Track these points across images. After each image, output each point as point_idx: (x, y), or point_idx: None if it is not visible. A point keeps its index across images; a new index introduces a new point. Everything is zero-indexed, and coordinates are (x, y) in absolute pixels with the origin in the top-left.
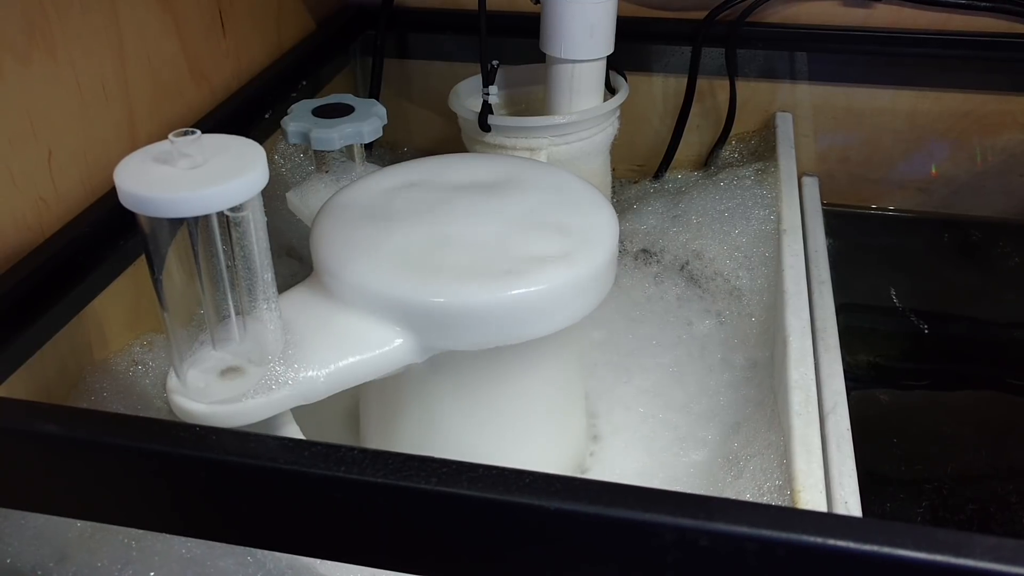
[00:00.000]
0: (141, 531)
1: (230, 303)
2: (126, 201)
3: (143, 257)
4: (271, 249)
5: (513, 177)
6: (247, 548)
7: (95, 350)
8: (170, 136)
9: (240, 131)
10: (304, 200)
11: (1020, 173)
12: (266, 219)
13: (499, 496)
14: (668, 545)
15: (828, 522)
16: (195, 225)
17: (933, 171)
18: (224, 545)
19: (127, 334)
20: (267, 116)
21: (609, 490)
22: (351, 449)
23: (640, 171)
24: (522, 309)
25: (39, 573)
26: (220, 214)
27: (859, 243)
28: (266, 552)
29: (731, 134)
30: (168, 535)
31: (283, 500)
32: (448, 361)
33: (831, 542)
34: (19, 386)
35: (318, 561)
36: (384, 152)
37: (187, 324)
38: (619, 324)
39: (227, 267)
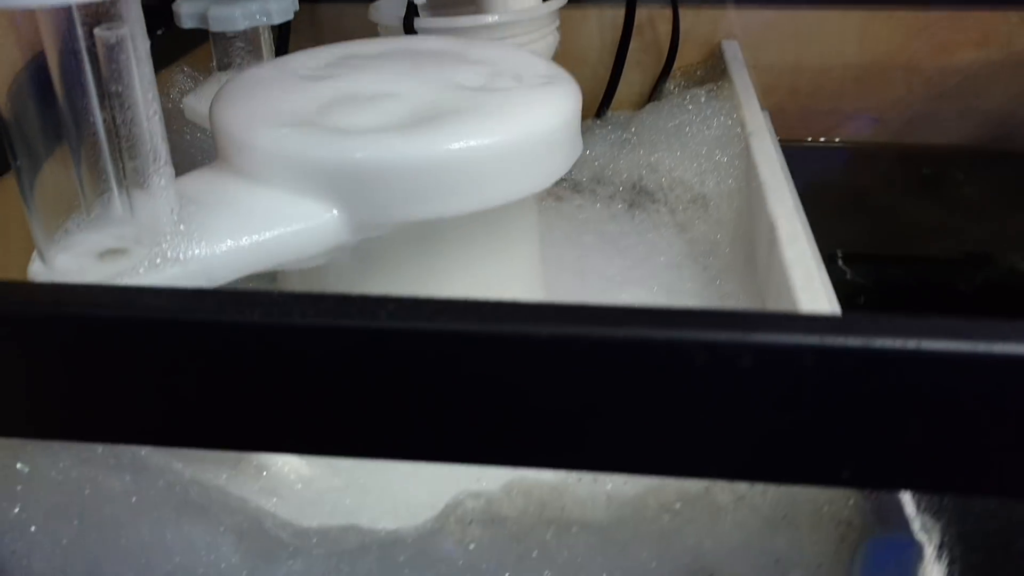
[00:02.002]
0: None
1: (109, 169)
2: None
3: None
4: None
5: (457, 48)
6: (135, 454)
7: None
8: None
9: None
10: (204, 103)
11: (976, 95)
12: (149, 45)
13: (480, 327)
14: (698, 367)
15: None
16: (56, 44)
17: (885, 99)
18: (111, 455)
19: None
20: (160, 33)
21: (614, 313)
22: (268, 294)
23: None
24: (460, 167)
25: None
26: (90, 37)
27: (812, 179)
28: (163, 462)
29: (675, 66)
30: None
31: (179, 369)
32: (377, 253)
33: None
34: None
35: (226, 469)
36: None
37: (55, 198)
38: (571, 251)
39: (103, 119)
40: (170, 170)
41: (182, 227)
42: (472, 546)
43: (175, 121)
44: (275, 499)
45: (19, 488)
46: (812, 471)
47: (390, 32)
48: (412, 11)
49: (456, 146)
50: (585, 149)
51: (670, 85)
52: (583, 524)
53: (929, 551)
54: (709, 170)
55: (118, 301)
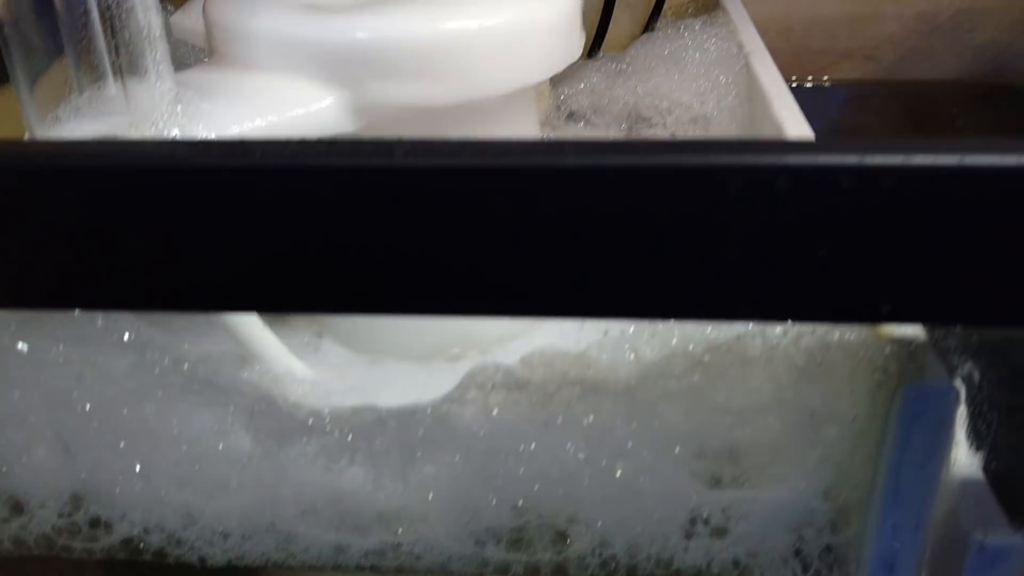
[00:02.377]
0: None
1: (104, 56)
2: None
3: None
4: None
5: None
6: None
7: None
8: None
9: None
10: (192, 19)
11: (969, 29)
12: None
13: (495, 162)
14: (734, 194)
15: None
16: None
17: (878, 37)
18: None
19: None
20: None
21: (643, 145)
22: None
23: None
24: (461, 48)
25: None
26: None
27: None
28: (167, 341)
29: (665, 5)
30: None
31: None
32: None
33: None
34: None
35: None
36: None
37: (48, 87)
38: None
39: (99, 6)
40: (166, 53)
41: (179, 109)
42: (495, 412)
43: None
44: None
45: (19, 371)
46: (851, 307)
47: None
48: None
49: (456, 25)
50: (579, 82)
51: (661, 25)
52: (609, 388)
53: (966, 396)
54: (708, 90)
55: (121, 152)
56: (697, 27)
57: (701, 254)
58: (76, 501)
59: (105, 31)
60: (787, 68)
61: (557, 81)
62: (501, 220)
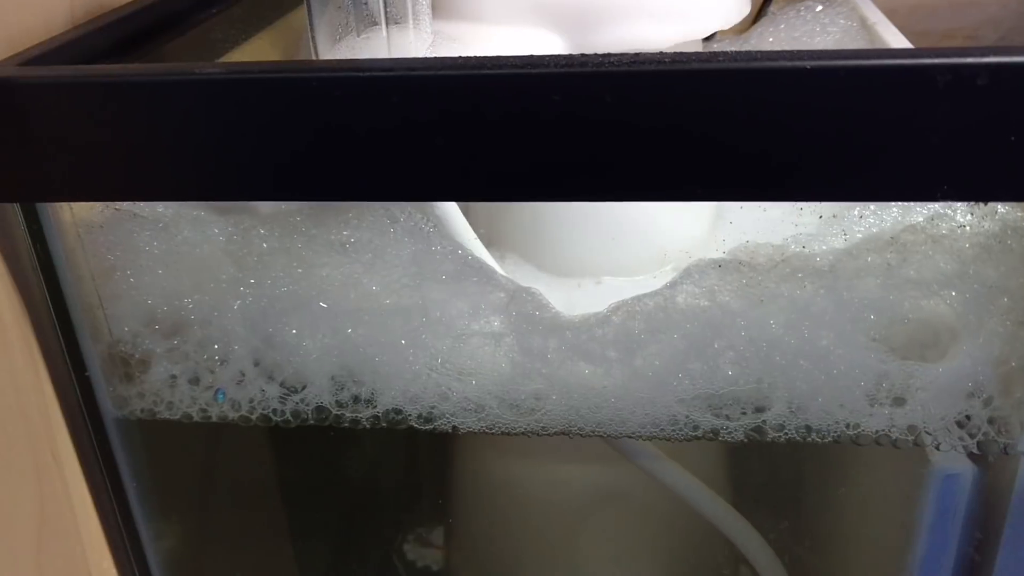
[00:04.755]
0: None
1: (379, 6)
2: None
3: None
4: None
5: None
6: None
7: None
8: None
9: None
10: None
11: None
12: None
13: (743, 64)
14: (941, 90)
15: None
16: None
17: (979, 18)
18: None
19: None
20: None
21: (859, 52)
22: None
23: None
24: None
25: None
26: None
27: None
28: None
29: None
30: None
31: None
32: None
33: None
34: None
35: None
36: None
37: (332, 31)
38: None
39: None
40: (428, 11)
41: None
42: (713, 290)
43: None
44: None
45: (316, 259)
46: None
47: None
48: None
49: None
50: None
51: (778, 7)
52: (812, 267)
53: None
54: None
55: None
56: (818, 8)
57: (912, 141)
58: (347, 375)
59: None
60: None
61: None
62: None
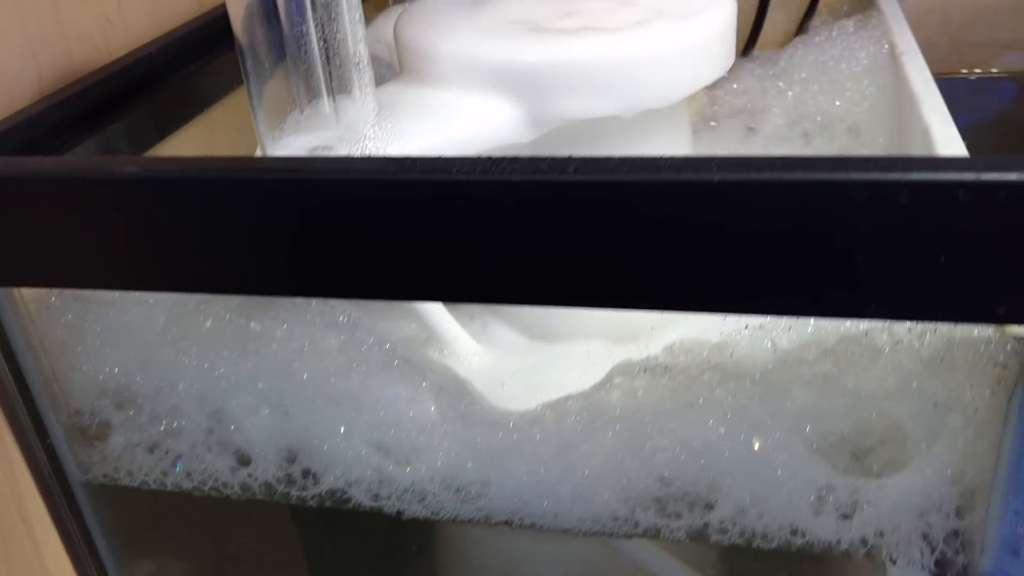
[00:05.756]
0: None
1: (320, 78)
2: None
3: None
4: None
5: None
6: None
7: None
8: None
9: None
10: (382, 32)
11: None
12: None
13: (651, 177)
14: (860, 206)
15: None
16: None
17: None
18: (325, 315)
19: None
20: None
21: (781, 161)
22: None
23: None
24: (635, 66)
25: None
26: None
27: (967, 113)
28: (372, 323)
29: (820, 2)
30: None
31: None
32: (552, 143)
33: None
34: None
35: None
36: None
37: (274, 104)
38: None
39: (316, 36)
40: (371, 79)
41: (384, 124)
42: (640, 394)
43: None
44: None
45: (251, 345)
46: (969, 308)
47: None
48: None
49: (624, 46)
50: (732, 82)
51: (816, 22)
52: (747, 373)
53: None
54: (859, 100)
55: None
56: (851, 29)
57: (835, 259)
58: (292, 455)
59: (322, 58)
60: (946, 60)
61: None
62: (659, 227)
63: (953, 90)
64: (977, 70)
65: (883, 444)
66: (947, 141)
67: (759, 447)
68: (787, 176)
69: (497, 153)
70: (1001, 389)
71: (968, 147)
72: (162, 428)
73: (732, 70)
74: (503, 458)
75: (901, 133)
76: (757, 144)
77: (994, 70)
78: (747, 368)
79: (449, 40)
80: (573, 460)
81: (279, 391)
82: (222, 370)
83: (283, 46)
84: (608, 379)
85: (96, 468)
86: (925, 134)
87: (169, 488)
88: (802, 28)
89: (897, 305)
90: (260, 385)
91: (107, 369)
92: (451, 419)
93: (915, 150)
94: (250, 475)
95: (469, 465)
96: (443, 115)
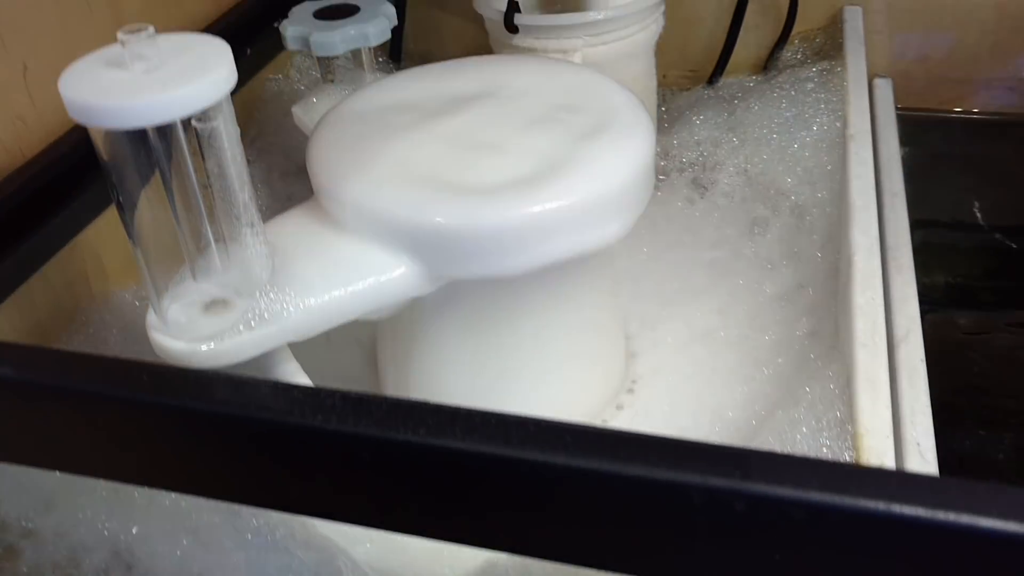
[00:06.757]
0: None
1: (207, 229)
2: (75, 113)
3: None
4: (288, 169)
5: (532, 79)
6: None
7: (93, 283)
8: (120, 34)
9: (247, 43)
10: (309, 114)
11: None
12: (239, 131)
13: (496, 450)
14: (697, 508)
15: (890, 483)
16: (159, 139)
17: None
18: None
19: (130, 266)
20: (277, 25)
21: (627, 443)
22: (331, 394)
23: (693, 77)
24: (539, 230)
25: (23, 523)
26: (187, 126)
27: (938, 151)
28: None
29: (793, 32)
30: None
31: (260, 452)
32: (459, 293)
33: (895, 508)
34: (5, 323)
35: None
36: (414, 64)
37: (163, 255)
38: (660, 244)
39: (201, 188)
40: (261, 228)
41: (280, 279)
42: None
43: (287, 123)
44: None
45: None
46: None
47: (494, 26)
48: (513, 8)
49: (528, 210)
50: (692, 135)
51: (787, 52)
52: None
53: None
54: (803, 181)
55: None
56: (812, 84)
57: (673, 555)
58: None
59: (208, 210)
60: (921, 95)
61: (673, 121)
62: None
63: (920, 125)
64: (956, 108)
65: None
66: (866, 279)
67: None
68: (629, 471)
69: (397, 305)
70: None
71: (937, 182)
72: None
73: (692, 104)
74: None
75: (836, 239)
76: (700, 208)
77: (973, 108)
78: None
79: (355, 187)
80: None
81: None
82: None
83: (168, 199)
84: None
85: None
86: (849, 264)
87: None
88: (773, 56)
89: None
90: None
91: None
92: None
93: (841, 278)
94: None
95: None
96: (342, 266)
